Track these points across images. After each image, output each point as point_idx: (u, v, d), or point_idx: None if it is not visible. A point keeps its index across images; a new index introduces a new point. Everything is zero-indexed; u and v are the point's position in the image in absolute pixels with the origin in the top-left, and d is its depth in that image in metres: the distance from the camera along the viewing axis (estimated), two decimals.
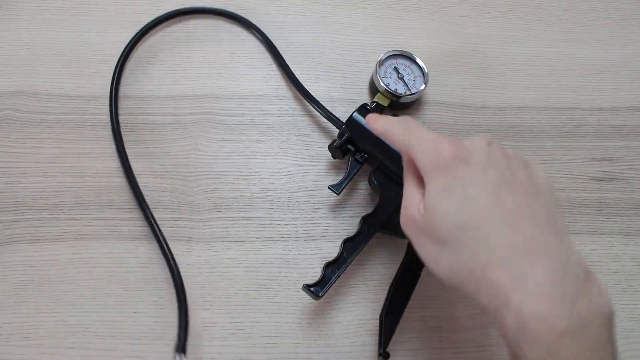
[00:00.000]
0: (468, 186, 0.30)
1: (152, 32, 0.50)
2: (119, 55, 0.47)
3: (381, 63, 0.48)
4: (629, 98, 0.53)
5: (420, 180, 0.33)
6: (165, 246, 0.41)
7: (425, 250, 0.32)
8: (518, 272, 0.28)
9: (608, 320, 0.28)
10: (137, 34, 0.48)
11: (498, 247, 0.28)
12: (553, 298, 0.27)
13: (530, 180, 0.31)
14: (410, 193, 0.33)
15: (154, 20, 0.49)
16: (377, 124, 0.37)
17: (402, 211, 0.34)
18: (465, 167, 0.30)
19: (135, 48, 0.48)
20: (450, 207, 0.30)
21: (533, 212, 0.30)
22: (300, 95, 0.48)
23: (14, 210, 0.42)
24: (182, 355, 0.37)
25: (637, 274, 0.46)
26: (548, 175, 0.33)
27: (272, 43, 0.50)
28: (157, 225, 0.41)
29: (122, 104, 0.47)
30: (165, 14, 0.50)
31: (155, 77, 0.48)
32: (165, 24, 0.50)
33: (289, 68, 0.49)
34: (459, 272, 0.30)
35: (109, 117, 0.45)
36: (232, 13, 0.51)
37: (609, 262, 0.46)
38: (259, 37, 0.50)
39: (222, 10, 0.51)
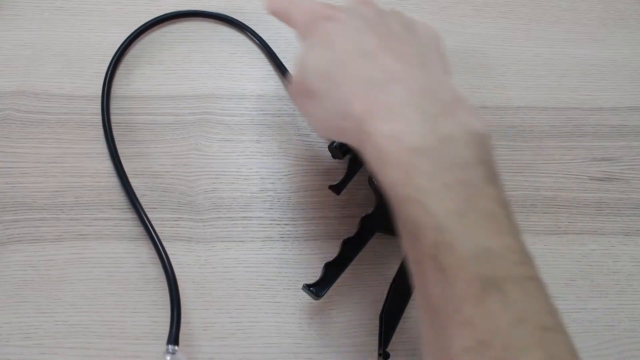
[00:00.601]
0: (333, 37, 0.30)
1: (151, 32, 0.50)
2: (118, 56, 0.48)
3: None
4: (629, 98, 0.53)
5: None
6: (151, 228, 0.41)
7: (304, 110, 0.33)
8: (375, 100, 0.27)
9: (476, 139, 0.26)
10: (127, 38, 0.48)
11: (357, 82, 0.28)
12: (409, 118, 0.26)
13: (405, 29, 0.32)
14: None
15: (144, 24, 0.49)
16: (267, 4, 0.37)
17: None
18: (333, 22, 0.31)
19: (130, 49, 0.48)
20: (315, 59, 0.31)
21: (400, 51, 0.29)
22: None
23: (14, 210, 0.42)
24: (175, 346, 0.37)
25: (637, 274, 0.46)
26: (434, 32, 0.34)
27: (268, 46, 0.50)
28: (146, 216, 0.41)
29: (122, 104, 0.47)
30: (157, 17, 0.50)
31: (155, 77, 0.48)
32: (164, 23, 0.50)
33: (287, 70, 0.49)
34: (333, 121, 0.30)
35: (100, 117, 0.45)
36: (226, 16, 0.51)
37: (609, 262, 0.46)
38: (256, 40, 0.50)
39: (216, 13, 0.51)
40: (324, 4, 0.33)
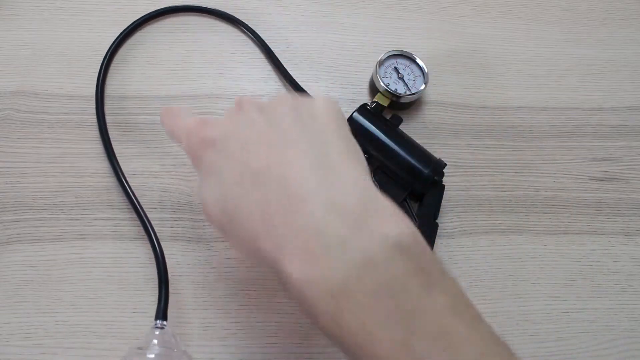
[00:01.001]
0: (218, 167, 0.28)
1: (152, 32, 0.50)
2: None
3: (381, 63, 0.48)
4: (629, 98, 0.53)
5: None
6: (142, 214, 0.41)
7: (222, 236, 0.31)
8: (279, 236, 0.25)
9: (398, 248, 0.23)
10: (125, 29, 0.49)
11: (255, 218, 0.26)
12: (320, 255, 0.23)
13: (294, 120, 0.28)
14: None
15: (142, 17, 0.49)
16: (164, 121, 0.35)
17: None
18: (213, 150, 0.29)
19: (130, 49, 0.48)
20: (209, 196, 0.28)
21: (294, 157, 0.26)
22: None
23: (14, 210, 0.42)
24: (163, 321, 0.36)
25: (637, 274, 0.46)
26: (327, 105, 0.29)
27: (267, 45, 0.50)
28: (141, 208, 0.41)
29: (122, 104, 0.47)
30: (154, 11, 0.50)
31: (155, 77, 0.48)
32: (164, 23, 0.50)
33: (284, 67, 0.49)
34: (249, 252, 0.27)
35: (95, 117, 0.45)
36: (224, 12, 0.51)
37: (609, 262, 0.46)
38: (253, 37, 0.50)
39: (214, 9, 0.51)
40: (199, 121, 0.31)
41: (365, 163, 0.29)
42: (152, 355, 0.34)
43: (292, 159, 0.26)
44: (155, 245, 0.39)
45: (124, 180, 0.42)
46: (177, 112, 0.33)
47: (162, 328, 0.36)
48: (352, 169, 0.26)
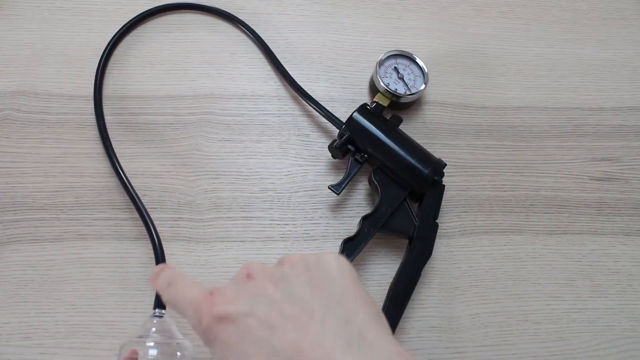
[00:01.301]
0: (238, 346, 0.26)
1: (152, 32, 0.50)
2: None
3: (381, 63, 0.48)
4: (629, 98, 0.53)
5: None
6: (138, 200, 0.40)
7: None
8: None
9: None
10: (123, 26, 0.49)
11: None
12: None
13: (312, 286, 0.27)
14: None
15: (140, 14, 0.50)
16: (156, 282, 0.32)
17: None
18: (229, 328, 0.27)
19: (130, 50, 0.48)
20: None
21: (315, 328, 0.25)
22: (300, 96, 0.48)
23: (14, 210, 0.42)
24: (162, 310, 0.36)
25: (637, 274, 0.46)
26: (340, 264, 0.28)
27: (265, 44, 0.50)
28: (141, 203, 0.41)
29: (122, 104, 0.47)
30: (153, 7, 0.50)
31: (155, 77, 0.48)
32: (163, 22, 0.51)
33: (284, 67, 0.49)
34: None
35: (95, 117, 0.45)
36: (224, 11, 0.51)
37: (609, 262, 0.46)
38: (252, 36, 0.50)
39: (214, 8, 0.51)
40: (206, 294, 0.28)
41: (386, 321, 0.27)
42: (152, 344, 0.34)
43: (322, 338, 0.25)
44: (155, 241, 0.39)
45: (125, 179, 0.42)
46: (176, 279, 0.31)
47: (160, 317, 0.36)
48: (385, 340, 0.26)
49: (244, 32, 0.51)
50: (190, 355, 0.35)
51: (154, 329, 0.35)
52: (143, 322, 0.36)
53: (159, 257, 0.39)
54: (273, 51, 0.50)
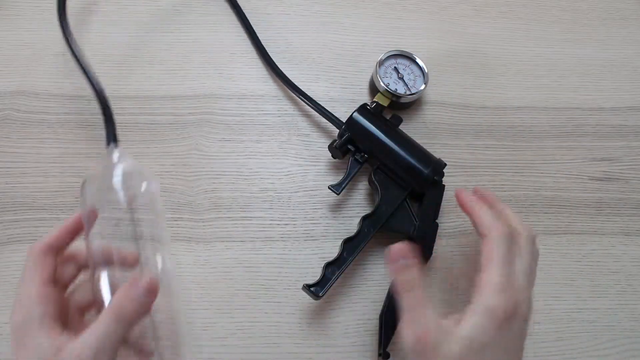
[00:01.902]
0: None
1: (152, 33, 0.50)
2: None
3: (381, 63, 0.48)
4: (629, 98, 0.53)
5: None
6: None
7: None
8: None
9: None
10: None
11: None
12: None
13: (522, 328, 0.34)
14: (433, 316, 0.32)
15: None
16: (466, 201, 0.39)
17: (417, 327, 0.32)
18: (512, 321, 0.32)
19: (130, 49, 0.48)
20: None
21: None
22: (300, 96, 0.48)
23: (14, 210, 0.42)
24: (114, 144, 0.36)
25: (637, 274, 0.46)
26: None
27: (262, 45, 0.50)
28: None
29: (123, 104, 0.47)
30: None
31: (155, 77, 0.48)
32: (165, 21, 0.51)
33: (278, 67, 0.49)
34: None
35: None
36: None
37: (609, 262, 0.46)
38: (249, 37, 0.50)
39: None
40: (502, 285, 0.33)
41: None
42: (120, 169, 0.34)
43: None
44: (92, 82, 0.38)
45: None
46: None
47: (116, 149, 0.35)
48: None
49: (242, 32, 0.51)
50: (157, 190, 0.35)
51: (117, 156, 0.35)
52: (100, 159, 0.35)
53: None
54: (269, 53, 0.50)
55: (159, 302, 0.31)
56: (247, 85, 0.49)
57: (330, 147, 0.45)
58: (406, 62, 0.49)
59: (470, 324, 0.31)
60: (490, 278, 0.33)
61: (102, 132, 0.46)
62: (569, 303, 0.44)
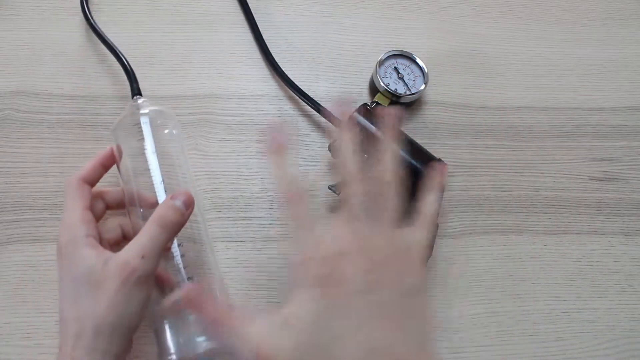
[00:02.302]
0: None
1: (152, 33, 0.50)
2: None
3: (381, 63, 0.48)
4: (629, 98, 0.53)
5: None
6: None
7: None
8: None
9: None
10: None
11: None
12: None
13: (399, 297, 0.29)
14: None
15: None
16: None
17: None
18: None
19: (130, 49, 0.48)
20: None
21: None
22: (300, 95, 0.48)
23: (14, 210, 0.42)
24: (138, 97, 0.41)
25: (637, 274, 0.46)
26: (420, 272, 0.31)
27: (268, 48, 0.50)
28: None
29: (122, 104, 0.47)
30: None
31: (155, 77, 0.48)
32: (165, 21, 0.51)
33: (280, 66, 0.49)
34: None
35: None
36: None
37: (609, 262, 0.46)
38: (252, 35, 0.50)
39: None
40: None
41: None
42: (146, 110, 0.39)
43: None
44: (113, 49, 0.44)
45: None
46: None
47: (140, 101, 0.41)
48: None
49: (243, 31, 0.51)
50: (181, 132, 0.41)
51: (143, 102, 0.40)
52: (127, 107, 0.40)
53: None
54: (271, 52, 0.50)
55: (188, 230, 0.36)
56: (247, 85, 0.49)
57: (330, 147, 0.45)
58: (406, 62, 0.49)
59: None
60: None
61: (102, 132, 0.46)
62: (569, 303, 0.44)
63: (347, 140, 0.34)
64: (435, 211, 0.34)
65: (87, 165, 0.37)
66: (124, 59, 0.43)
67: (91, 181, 0.37)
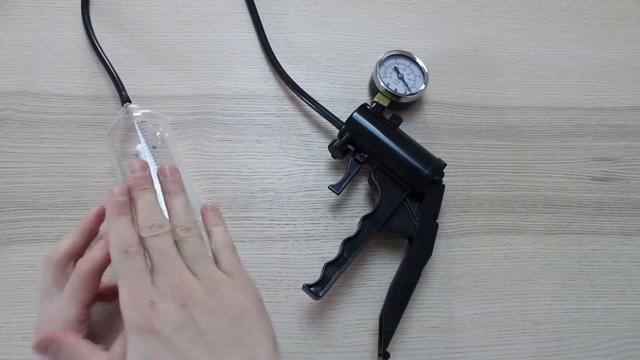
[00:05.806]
0: None
1: (152, 33, 0.50)
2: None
3: (381, 63, 0.48)
4: (629, 98, 0.53)
5: None
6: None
7: None
8: None
9: None
10: None
11: None
12: None
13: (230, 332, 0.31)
14: None
15: None
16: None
17: None
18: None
19: (130, 49, 0.48)
20: None
21: None
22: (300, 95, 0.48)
23: (14, 210, 0.42)
24: (127, 104, 0.43)
25: (637, 274, 0.46)
26: (250, 292, 0.34)
27: (270, 47, 0.50)
28: None
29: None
30: None
31: (155, 77, 0.48)
32: (165, 22, 0.51)
33: (281, 66, 0.49)
34: None
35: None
36: None
37: (609, 262, 0.46)
38: (256, 34, 0.50)
39: None
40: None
41: None
42: (139, 114, 0.42)
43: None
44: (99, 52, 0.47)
45: None
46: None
47: (130, 107, 0.43)
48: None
49: (243, 31, 0.51)
50: (171, 133, 0.43)
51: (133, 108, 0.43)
52: (119, 113, 0.43)
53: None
54: (273, 51, 0.50)
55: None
56: (247, 85, 0.49)
57: (330, 147, 0.45)
58: (406, 62, 0.49)
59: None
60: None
61: (102, 132, 0.46)
62: (569, 303, 0.44)
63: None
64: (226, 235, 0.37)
65: (68, 238, 0.36)
66: (112, 69, 0.45)
67: (77, 256, 0.36)
